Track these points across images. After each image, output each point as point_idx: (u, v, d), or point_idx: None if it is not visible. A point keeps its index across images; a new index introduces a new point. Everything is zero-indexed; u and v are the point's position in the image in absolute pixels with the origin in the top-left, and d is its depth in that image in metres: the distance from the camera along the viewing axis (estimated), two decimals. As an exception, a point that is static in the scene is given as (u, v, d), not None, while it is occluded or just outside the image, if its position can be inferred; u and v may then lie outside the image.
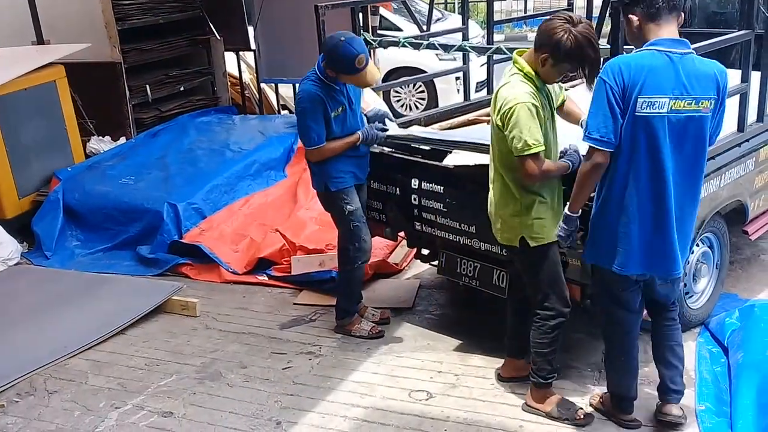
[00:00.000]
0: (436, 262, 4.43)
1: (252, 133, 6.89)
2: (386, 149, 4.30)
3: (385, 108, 4.49)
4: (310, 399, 3.75)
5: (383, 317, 4.46)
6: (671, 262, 3.04)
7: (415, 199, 4.13)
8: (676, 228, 2.98)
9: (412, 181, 4.10)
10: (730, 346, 3.84)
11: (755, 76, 4.08)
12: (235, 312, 4.77)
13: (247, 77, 8.62)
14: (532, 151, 3.07)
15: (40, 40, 6.69)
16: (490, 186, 3.38)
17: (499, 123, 3.15)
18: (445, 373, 3.90)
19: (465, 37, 5.61)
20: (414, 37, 5.25)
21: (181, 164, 6.33)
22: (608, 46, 3.46)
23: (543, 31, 3.10)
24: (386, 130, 4.16)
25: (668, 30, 2.90)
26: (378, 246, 4.88)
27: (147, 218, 5.66)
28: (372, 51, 6.01)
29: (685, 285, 3.99)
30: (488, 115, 3.51)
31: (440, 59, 9.27)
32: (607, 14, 4.62)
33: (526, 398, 3.56)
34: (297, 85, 4.92)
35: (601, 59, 3.12)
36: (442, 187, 3.97)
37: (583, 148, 3.09)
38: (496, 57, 4.92)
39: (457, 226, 3.96)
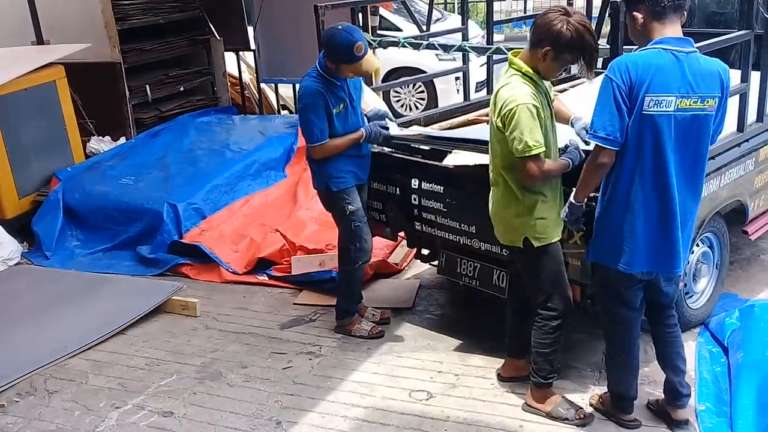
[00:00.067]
0: (436, 262, 4.43)
1: (252, 133, 6.89)
2: (386, 149, 4.30)
3: (384, 108, 4.49)
4: (311, 399, 3.75)
5: (383, 317, 4.46)
6: (675, 260, 3.04)
7: (415, 199, 4.13)
8: (680, 225, 2.99)
9: (412, 181, 4.10)
10: (730, 346, 3.84)
11: (755, 76, 4.08)
12: (235, 312, 4.78)
13: (247, 77, 8.62)
14: (533, 152, 3.07)
15: (39, 40, 6.69)
16: (491, 188, 3.38)
17: (500, 124, 3.15)
18: (445, 373, 3.90)
19: (465, 38, 5.62)
20: (414, 38, 5.26)
21: (181, 164, 6.33)
22: (608, 47, 3.46)
23: (540, 25, 3.10)
24: (388, 128, 4.16)
25: (673, 29, 2.90)
26: (378, 246, 4.88)
27: (147, 218, 5.66)
28: (372, 51, 6.01)
29: (685, 285, 4.00)
30: (488, 115, 3.51)
31: (440, 59, 9.28)
32: (607, 14, 4.63)
33: (526, 398, 3.56)
34: (297, 86, 4.92)
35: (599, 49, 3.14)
36: (442, 187, 3.97)
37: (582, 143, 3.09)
38: (495, 57, 4.93)
39: (457, 226, 3.96)
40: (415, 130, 4.53)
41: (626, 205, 3.00)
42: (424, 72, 8.84)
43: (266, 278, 5.20)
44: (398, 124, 4.56)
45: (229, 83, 8.41)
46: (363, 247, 4.14)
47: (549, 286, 3.34)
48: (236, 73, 8.36)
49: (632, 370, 3.31)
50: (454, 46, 4.79)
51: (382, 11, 9.64)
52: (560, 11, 3.09)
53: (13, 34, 6.75)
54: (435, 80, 9.52)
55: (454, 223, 3.97)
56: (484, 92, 6.05)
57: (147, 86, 7.38)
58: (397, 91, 10.04)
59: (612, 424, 3.39)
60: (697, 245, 4.01)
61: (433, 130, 4.72)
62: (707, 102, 2.88)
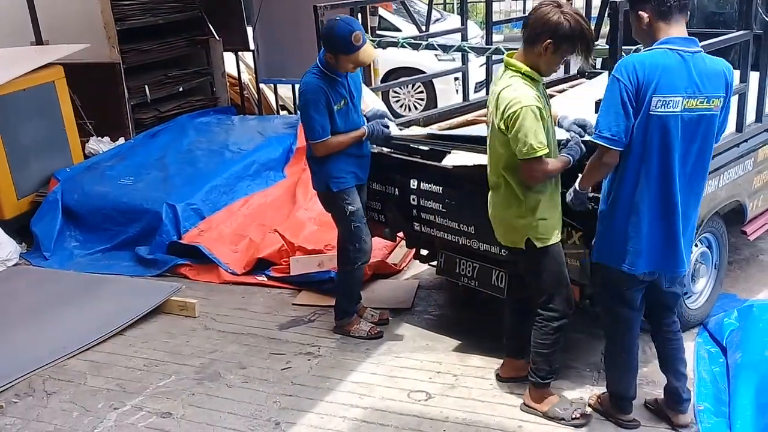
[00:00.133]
0: (435, 263, 4.43)
1: (251, 133, 6.89)
2: (385, 149, 4.30)
3: (384, 108, 4.49)
4: (309, 399, 3.75)
5: (382, 318, 4.46)
6: (679, 260, 3.05)
7: (414, 200, 4.12)
8: (682, 226, 2.99)
9: (411, 181, 4.10)
10: (729, 346, 3.84)
11: (754, 77, 4.08)
12: (234, 312, 4.77)
13: (246, 78, 8.62)
14: (538, 154, 3.06)
15: (38, 41, 6.69)
16: (490, 190, 3.37)
17: (503, 126, 3.12)
18: (444, 374, 3.90)
19: (464, 38, 5.62)
20: (413, 38, 5.26)
21: (180, 165, 6.33)
22: (607, 47, 3.46)
23: (536, 20, 3.09)
24: (388, 127, 4.16)
25: (678, 29, 2.89)
26: (377, 246, 4.87)
27: (146, 219, 5.66)
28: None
29: (684, 285, 3.99)
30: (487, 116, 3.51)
31: (439, 60, 9.27)
32: (606, 14, 4.63)
33: (524, 398, 3.56)
34: (296, 86, 4.92)
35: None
36: (440, 188, 3.97)
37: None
38: (495, 57, 4.92)
39: (456, 227, 3.96)
40: (414, 130, 4.52)
41: (631, 206, 2.99)
42: (424, 72, 8.84)
43: (265, 279, 5.20)
44: (397, 125, 4.56)
45: (228, 84, 8.41)
46: (362, 247, 4.14)
47: (550, 286, 3.33)
48: (235, 74, 8.37)
49: (632, 369, 3.31)
50: (453, 46, 4.79)
51: (382, 11, 9.64)
52: (551, 3, 3.07)
53: (13, 34, 6.75)
54: (434, 81, 9.52)
55: (453, 223, 3.97)
56: (483, 92, 6.07)
57: (146, 86, 7.37)
58: (396, 92, 10.04)
59: (610, 424, 3.39)
60: (696, 245, 4.01)
61: (433, 130, 4.72)
62: (713, 102, 2.88)
